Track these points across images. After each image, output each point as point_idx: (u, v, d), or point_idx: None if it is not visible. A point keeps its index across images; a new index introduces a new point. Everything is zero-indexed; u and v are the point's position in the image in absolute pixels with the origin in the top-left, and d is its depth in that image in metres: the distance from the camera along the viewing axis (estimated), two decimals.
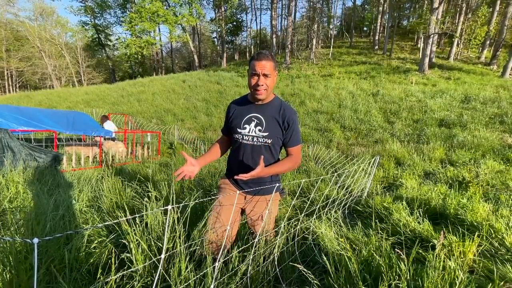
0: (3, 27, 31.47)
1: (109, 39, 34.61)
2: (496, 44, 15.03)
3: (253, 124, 1.40)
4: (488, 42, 17.43)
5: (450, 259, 1.53)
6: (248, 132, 1.40)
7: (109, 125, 6.86)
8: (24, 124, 4.86)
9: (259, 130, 1.39)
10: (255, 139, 1.40)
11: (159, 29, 28.74)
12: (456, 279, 1.24)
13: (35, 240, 0.55)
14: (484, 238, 2.00)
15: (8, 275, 1.24)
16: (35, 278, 0.59)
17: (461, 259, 1.67)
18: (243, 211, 1.59)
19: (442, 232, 1.71)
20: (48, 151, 4.51)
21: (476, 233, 1.88)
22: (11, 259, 1.28)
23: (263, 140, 1.39)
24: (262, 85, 1.30)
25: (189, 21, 25.63)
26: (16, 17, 32.13)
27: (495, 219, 2.21)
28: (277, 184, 1.48)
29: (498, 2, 16.32)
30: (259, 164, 1.24)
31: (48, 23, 34.86)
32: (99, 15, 31.79)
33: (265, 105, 1.41)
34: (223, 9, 27.98)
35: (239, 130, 1.42)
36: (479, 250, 1.87)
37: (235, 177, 1.25)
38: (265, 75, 1.29)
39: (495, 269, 1.54)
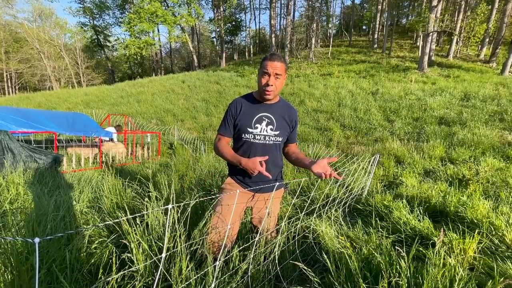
0: (2, 28, 31.45)
1: (108, 40, 34.57)
2: (495, 42, 15.01)
3: (264, 123, 1.41)
4: (487, 39, 17.41)
5: (450, 256, 1.54)
6: (260, 132, 1.41)
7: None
8: (24, 126, 4.86)
9: (271, 129, 1.41)
10: (266, 138, 1.42)
11: (158, 29, 28.72)
12: (456, 276, 1.24)
13: (36, 240, 0.55)
14: (484, 235, 2.00)
15: (9, 276, 1.24)
16: (37, 279, 0.59)
17: (461, 256, 1.68)
18: (246, 210, 1.61)
19: (442, 230, 1.71)
20: (48, 152, 4.52)
21: (476, 230, 1.88)
22: (12, 260, 1.29)
23: (275, 138, 1.43)
24: (272, 85, 1.32)
25: (188, 21, 25.61)
26: (14, 18, 32.16)
27: (495, 216, 2.21)
28: (281, 182, 1.55)
29: (497, 0, 16.30)
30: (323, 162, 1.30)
31: (46, 24, 34.84)
32: (97, 16, 31.77)
33: (274, 104, 1.45)
34: (222, 9, 27.95)
35: (250, 130, 1.41)
36: (479, 247, 1.87)
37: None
38: (276, 76, 1.31)
39: (495, 266, 1.55)
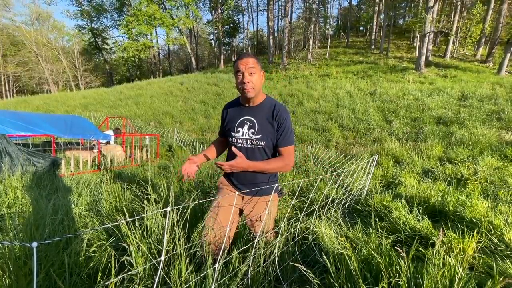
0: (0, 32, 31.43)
1: (106, 43, 34.54)
2: (492, 42, 15.13)
3: (246, 127, 1.40)
4: (483, 39, 17.55)
5: (449, 256, 1.54)
6: (242, 135, 1.41)
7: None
8: (22, 129, 4.84)
9: (252, 133, 1.38)
10: (249, 142, 1.40)
11: (156, 32, 28.75)
12: (456, 275, 1.24)
13: (34, 244, 0.55)
14: (484, 234, 2.00)
15: (7, 281, 1.23)
16: (35, 283, 0.59)
17: (461, 256, 1.68)
18: (241, 212, 1.59)
19: (441, 229, 1.72)
20: (47, 155, 4.50)
21: (476, 230, 1.89)
22: (10, 264, 1.28)
23: (257, 142, 1.39)
24: (248, 82, 1.28)
25: (186, 23, 25.67)
26: (12, 22, 32.08)
27: (494, 215, 2.21)
28: (275, 185, 1.47)
29: (493, 0, 16.44)
30: (237, 155, 1.28)
31: (44, 27, 34.80)
32: (95, 19, 31.73)
33: (257, 106, 1.41)
34: (219, 11, 28.04)
35: (233, 134, 1.43)
36: (479, 247, 1.87)
37: (217, 163, 1.28)
38: (249, 71, 1.28)
39: (494, 265, 1.55)
